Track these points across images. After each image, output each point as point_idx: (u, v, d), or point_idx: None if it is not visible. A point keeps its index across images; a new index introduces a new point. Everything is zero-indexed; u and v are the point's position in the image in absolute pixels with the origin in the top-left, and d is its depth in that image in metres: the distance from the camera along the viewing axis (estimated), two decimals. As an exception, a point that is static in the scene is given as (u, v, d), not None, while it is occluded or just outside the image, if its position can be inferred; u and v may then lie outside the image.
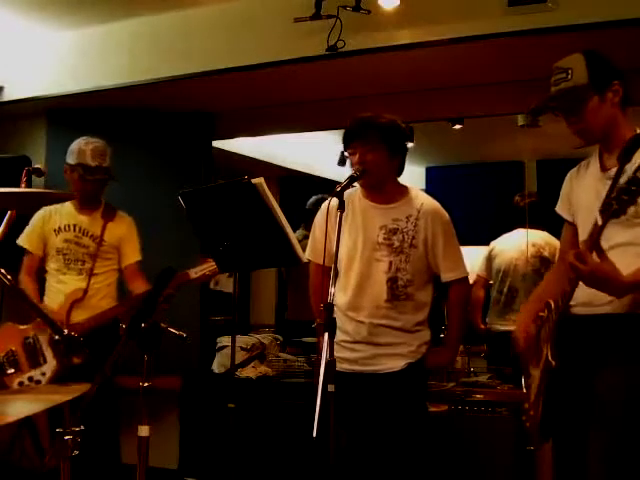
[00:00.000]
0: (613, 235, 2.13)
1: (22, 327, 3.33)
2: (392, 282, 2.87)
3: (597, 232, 2.01)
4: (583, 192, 2.34)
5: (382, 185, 2.93)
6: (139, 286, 3.54)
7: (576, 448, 2.21)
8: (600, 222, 1.98)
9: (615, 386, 2.12)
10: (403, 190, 2.98)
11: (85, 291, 3.47)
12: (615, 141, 2.24)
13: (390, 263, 2.87)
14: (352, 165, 2.89)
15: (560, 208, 2.48)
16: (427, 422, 3.00)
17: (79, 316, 3.40)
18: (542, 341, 2.28)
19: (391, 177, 2.96)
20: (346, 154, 2.97)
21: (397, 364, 2.87)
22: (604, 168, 2.27)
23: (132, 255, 3.62)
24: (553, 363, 2.18)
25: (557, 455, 2.34)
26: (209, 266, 3.27)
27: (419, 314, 2.93)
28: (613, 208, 1.94)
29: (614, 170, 2.09)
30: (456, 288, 2.98)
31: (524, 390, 2.36)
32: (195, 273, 3.31)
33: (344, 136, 2.95)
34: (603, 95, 2.25)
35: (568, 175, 2.46)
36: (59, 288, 3.52)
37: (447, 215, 2.96)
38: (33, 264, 3.56)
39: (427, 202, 2.96)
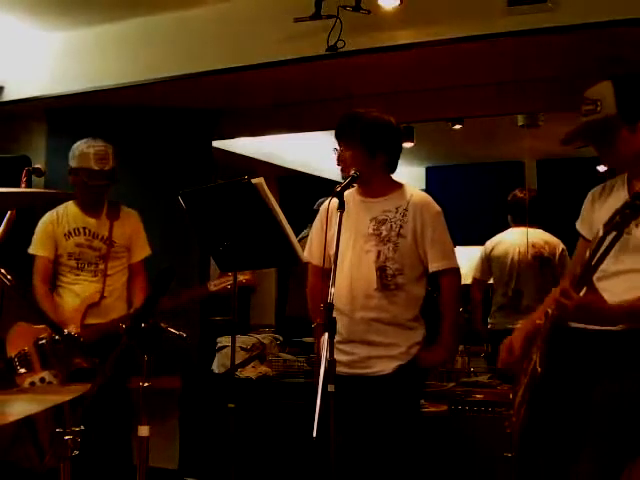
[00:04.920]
0: (624, 260, 2.10)
1: (36, 327, 3.30)
2: (381, 271, 2.87)
3: (588, 265, 1.97)
4: (606, 214, 2.30)
5: (368, 182, 2.93)
6: (138, 287, 3.58)
7: (562, 458, 2.18)
8: (587, 255, 1.96)
9: (604, 399, 2.09)
10: (395, 185, 2.99)
11: (102, 295, 3.48)
12: None
13: (379, 252, 2.88)
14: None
15: (580, 226, 2.42)
16: (419, 425, 3.00)
17: (94, 318, 3.42)
18: (534, 348, 2.26)
19: (377, 174, 2.95)
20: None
21: (388, 367, 2.86)
22: None
23: (140, 252, 3.64)
24: (539, 370, 2.14)
25: (544, 464, 2.32)
26: (228, 279, 3.22)
27: (411, 309, 2.92)
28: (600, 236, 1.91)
29: None
30: (446, 280, 2.94)
31: (510, 396, 2.34)
32: (214, 286, 3.30)
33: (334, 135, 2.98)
34: (634, 126, 2.18)
35: (590, 194, 2.40)
36: (72, 288, 3.51)
37: (437, 207, 2.95)
38: (48, 269, 3.52)
39: (417, 194, 2.97)
